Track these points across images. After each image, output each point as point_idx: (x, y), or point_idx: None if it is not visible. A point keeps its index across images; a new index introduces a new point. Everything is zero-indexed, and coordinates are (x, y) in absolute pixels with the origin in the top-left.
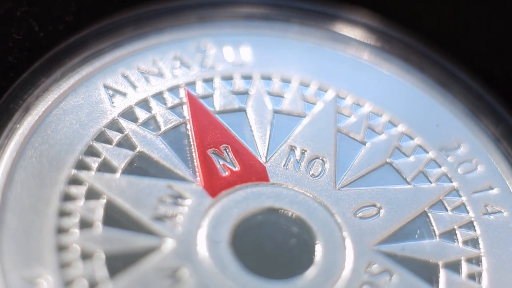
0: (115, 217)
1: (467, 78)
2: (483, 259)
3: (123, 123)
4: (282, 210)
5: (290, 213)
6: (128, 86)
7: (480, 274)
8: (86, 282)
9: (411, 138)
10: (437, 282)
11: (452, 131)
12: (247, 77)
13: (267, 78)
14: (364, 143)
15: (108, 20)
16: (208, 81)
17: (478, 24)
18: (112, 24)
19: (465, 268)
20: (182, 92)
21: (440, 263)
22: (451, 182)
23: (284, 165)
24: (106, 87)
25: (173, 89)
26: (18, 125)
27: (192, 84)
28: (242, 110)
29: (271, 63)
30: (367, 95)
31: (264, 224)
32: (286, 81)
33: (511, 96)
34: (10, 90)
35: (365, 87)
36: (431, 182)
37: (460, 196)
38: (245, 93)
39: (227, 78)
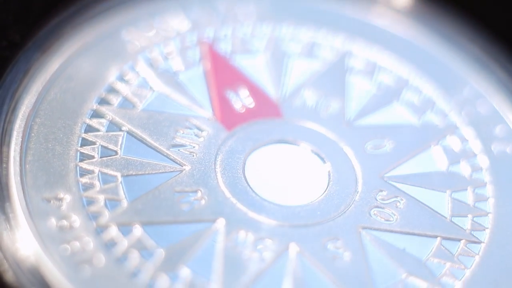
0: (134, 146)
1: (471, 27)
2: (490, 186)
3: (144, 65)
4: (295, 142)
5: (302, 145)
6: (148, 32)
7: (486, 200)
8: (104, 202)
9: (418, 82)
10: (445, 207)
11: (456, 74)
12: (263, 24)
13: (281, 25)
14: (373, 87)
15: None
16: (226, 26)
17: None
18: None
19: (472, 195)
20: (201, 37)
21: (448, 191)
22: (457, 121)
23: (296, 104)
24: (128, 33)
25: (192, 34)
26: (44, 67)
27: (210, 29)
28: (257, 55)
29: (286, 12)
30: (376, 41)
31: (277, 155)
32: (299, 28)
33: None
34: (37, 36)
35: (374, 34)
36: (437, 122)
37: (465, 134)
38: (261, 39)
39: (243, 25)
